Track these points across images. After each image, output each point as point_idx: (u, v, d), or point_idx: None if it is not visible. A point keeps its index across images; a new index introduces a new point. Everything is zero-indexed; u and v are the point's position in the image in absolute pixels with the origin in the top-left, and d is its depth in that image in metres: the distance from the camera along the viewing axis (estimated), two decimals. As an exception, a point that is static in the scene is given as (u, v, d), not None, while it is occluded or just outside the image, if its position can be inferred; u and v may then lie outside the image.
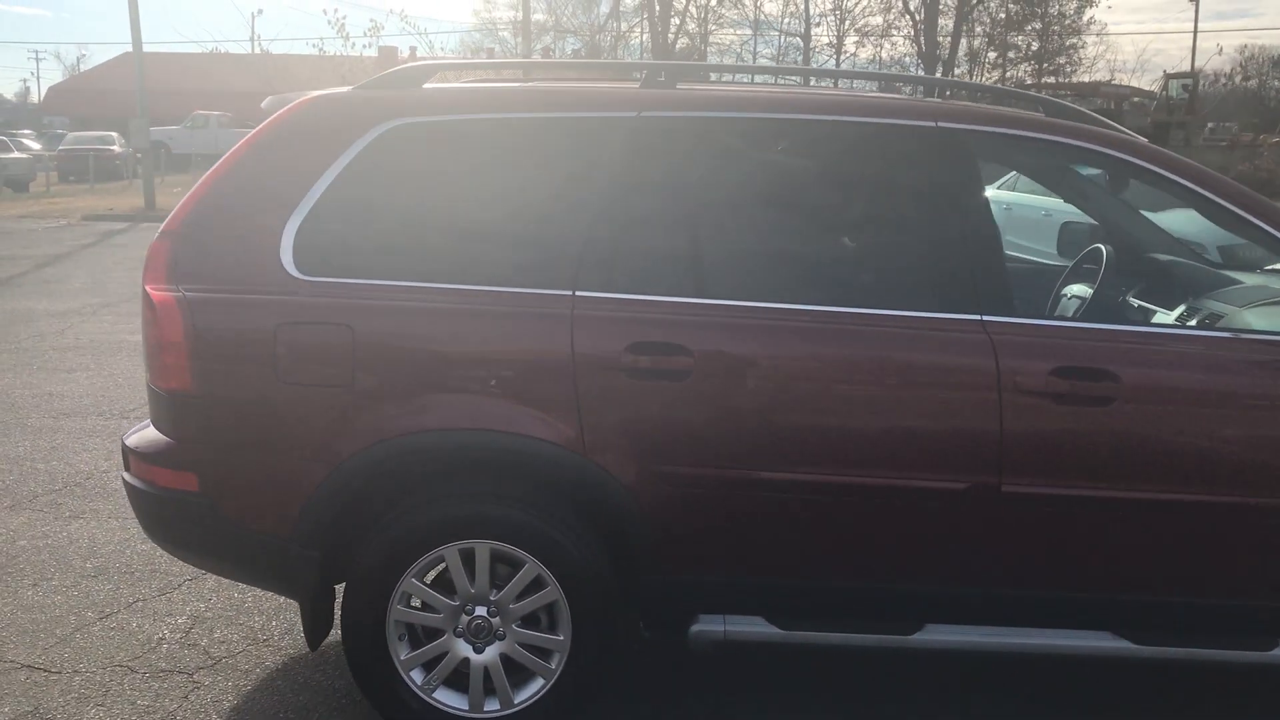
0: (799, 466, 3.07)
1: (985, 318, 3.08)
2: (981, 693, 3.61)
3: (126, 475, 3.39)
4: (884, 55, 47.04)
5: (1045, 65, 49.10)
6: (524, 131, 3.29)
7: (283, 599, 4.25)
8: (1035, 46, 48.59)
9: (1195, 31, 71.01)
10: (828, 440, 3.07)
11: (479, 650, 3.21)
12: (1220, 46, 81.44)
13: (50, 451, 6.21)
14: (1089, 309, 3.85)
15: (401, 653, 3.22)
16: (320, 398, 3.11)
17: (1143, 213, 4.54)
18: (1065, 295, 4.20)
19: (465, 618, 3.20)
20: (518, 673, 3.24)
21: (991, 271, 3.15)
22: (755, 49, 49.83)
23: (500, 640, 3.21)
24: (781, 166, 3.43)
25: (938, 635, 3.15)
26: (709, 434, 3.08)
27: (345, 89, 3.40)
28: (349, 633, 3.22)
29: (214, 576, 4.45)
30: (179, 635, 3.99)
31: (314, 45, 48.05)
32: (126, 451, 3.38)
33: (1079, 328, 3.32)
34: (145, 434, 3.34)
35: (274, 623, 4.09)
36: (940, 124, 3.22)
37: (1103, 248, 4.01)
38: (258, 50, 52.87)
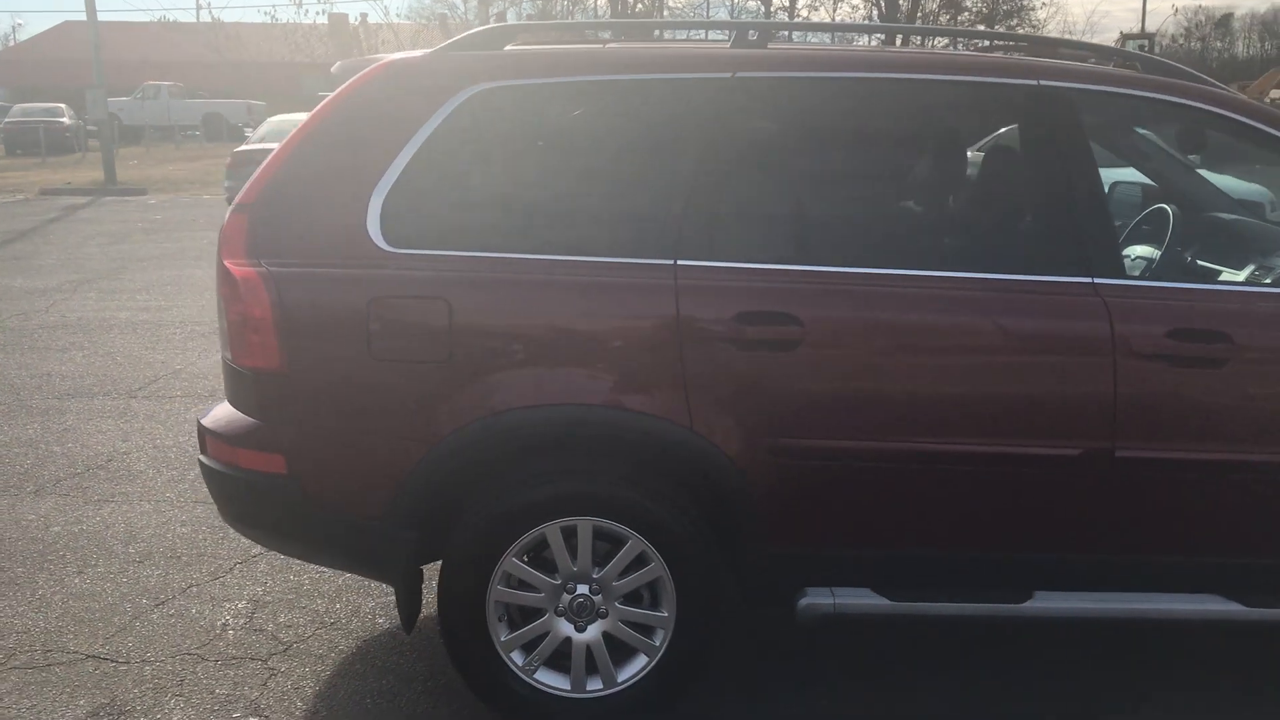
0: (909, 435, 3.01)
1: (1097, 280, 3.03)
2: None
3: (204, 458, 3.27)
4: (838, 17, 46.94)
5: (997, 27, 49.09)
6: (615, 95, 3.18)
7: (341, 580, 4.15)
8: (985, 10, 48.50)
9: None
10: (939, 408, 3.02)
11: (581, 629, 3.14)
12: (1175, 8, 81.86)
13: (63, 434, 6.03)
14: (1158, 269, 3.82)
15: (501, 634, 3.13)
16: (416, 374, 3.01)
17: (1200, 172, 4.51)
18: (1128, 257, 4.16)
19: (567, 596, 3.12)
20: (619, 650, 3.17)
21: (1101, 233, 3.10)
22: (707, 9, 49.50)
23: (602, 618, 3.14)
24: (883, 127, 3.35)
25: (1048, 603, 3.11)
26: (818, 404, 3.01)
27: (422, 53, 3.27)
28: (447, 615, 3.14)
29: (266, 559, 4.35)
30: (242, 620, 3.88)
31: (266, 13, 47.21)
32: (204, 433, 3.25)
33: (1193, 289, 3.27)
34: (223, 414, 3.21)
35: (337, 605, 3.99)
36: (1042, 82, 3.16)
37: (1167, 208, 3.97)
38: (206, 19, 51.75)
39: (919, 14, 43.61)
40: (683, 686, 3.18)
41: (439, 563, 3.18)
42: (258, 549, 4.44)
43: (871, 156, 3.32)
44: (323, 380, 3.04)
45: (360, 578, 4.13)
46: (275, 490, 3.11)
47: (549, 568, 3.12)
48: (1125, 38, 39.86)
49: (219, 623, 3.87)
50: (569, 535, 3.08)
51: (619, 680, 3.15)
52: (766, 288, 3.01)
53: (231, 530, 4.36)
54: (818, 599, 3.11)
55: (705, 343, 2.98)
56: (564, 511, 3.05)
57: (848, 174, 3.28)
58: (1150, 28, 53.31)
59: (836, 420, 3.02)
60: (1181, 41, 63.33)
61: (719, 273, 3.02)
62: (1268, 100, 26.79)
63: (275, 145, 13.68)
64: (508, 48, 3.28)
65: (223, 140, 34.51)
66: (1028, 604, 3.11)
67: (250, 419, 3.13)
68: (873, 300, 3.02)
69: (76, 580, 4.21)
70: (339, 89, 3.20)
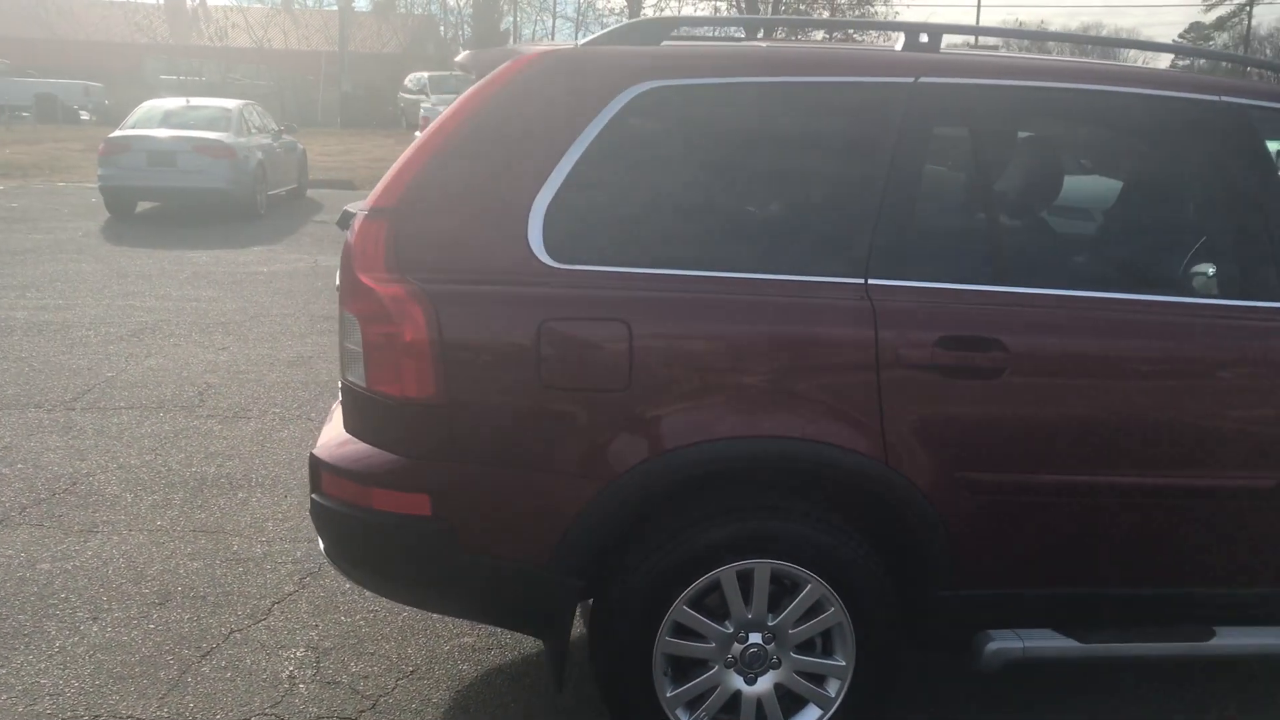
0: (1114, 469, 2.86)
1: None
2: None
3: (320, 497, 2.87)
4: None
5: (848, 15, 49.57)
6: (791, 98, 2.92)
7: (401, 619, 3.78)
8: (826, 14, 49.17)
9: (979, 5, 74.23)
10: (1147, 440, 2.87)
11: (751, 681, 2.88)
12: (1020, 21, 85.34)
13: (4, 452, 5.39)
14: None
15: (667, 689, 2.85)
16: (591, 405, 2.70)
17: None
18: None
19: (738, 646, 2.86)
20: (790, 702, 2.92)
21: None
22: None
23: (774, 669, 2.89)
24: (1074, 140, 3.19)
25: (1232, 640, 3.00)
26: (1019, 436, 2.83)
27: (571, 45, 2.94)
28: (607, 669, 2.84)
29: (304, 597, 3.95)
30: (309, 672, 3.47)
31: (97, -13, 44.64)
32: (320, 467, 2.86)
33: None
34: (345, 446, 2.83)
35: (409, 650, 3.62)
36: (1224, 98, 3.04)
37: None
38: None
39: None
40: (856, 738, 2.95)
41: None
42: (290, 586, 4.03)
43: (1065, 171, 3.16)
44: (485, 411, 2.70)
45: (426, 615, 3.77)
46: (417, 534, 2.75)
47: (717, 615, 2.85)
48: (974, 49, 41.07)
49: (283, 674, 3.44)
50: (744, 579, 2.82)
51: (790, 735, 2.91)
52: (968, 310, 2.81)
53: (254, 565, 3.94)
54: (1006, 643, 2.93)
55: (905, 369, 2.76)
56: (742, 553, 2.79)
57: (1043, 190, 3.11)
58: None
59: (1036, 453, 2.84)
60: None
61: (917, 294, 2.80)
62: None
63: (154, 132, 12.90)
64: (665, 42, 2.99)
65: (56, 122, 32.34)
66: (1213, 641, 2.99)
67: (387, 454, 2.76)
68: (1083, 326, 2.85)
69: (94, 628, 3.70)
70: (483, 82, 2.84)
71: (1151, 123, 3.05)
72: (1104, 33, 66.87)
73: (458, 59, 3.11)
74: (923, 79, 2.91)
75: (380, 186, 2.80)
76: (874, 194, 2.83)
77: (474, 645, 3.65)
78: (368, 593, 3.90)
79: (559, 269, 2.71)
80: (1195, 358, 2.90)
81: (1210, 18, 64.60)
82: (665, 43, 2.99)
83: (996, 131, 3.05)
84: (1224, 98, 3.04)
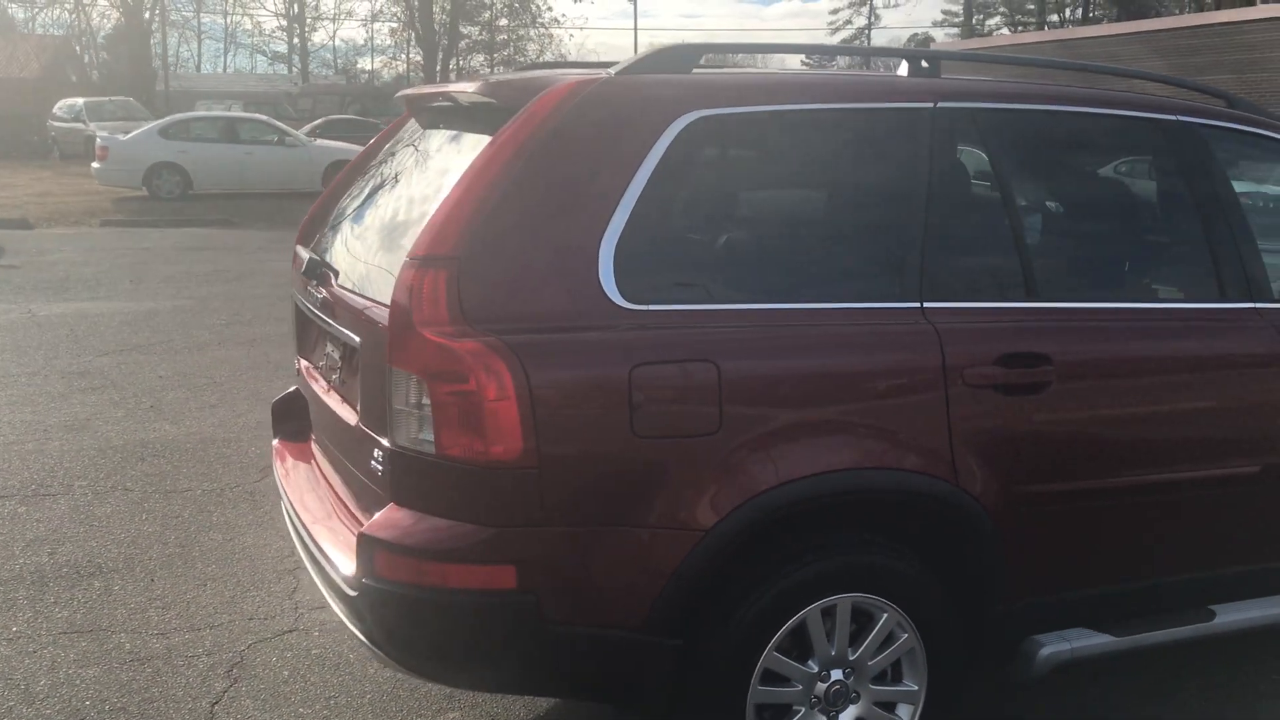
0: (1153, 469, 3.08)
1: None
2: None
3: (374, 581, 2.55)
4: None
5: (495, 55, 49.87)
6: (824, 124, 2.91)
7: (370, 697, 3.42)
8: (485, 38, 49.02)
9: (635, 29, 77.44)
10: (1186, 439, 3.12)
11: (833, 719, 2.83)
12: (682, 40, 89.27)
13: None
14: None
15: (760, 741, 2.74)
16: (682, 452, 2.56)
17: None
18: None
19: (821, 685, 2.80)
20: (866, 734, 2.89)
21: None
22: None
23: (854, 703, 2.85)
24: (1092, 160, 3.37)
25: (1233, 615, 3.25)
26: (1067, 445, 2.96)
27: (606, 73, 2.77)
28: (702, 728, 2.69)
29: (247, 691, 3.49)
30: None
31: None
32: (376, 547, 2.55)
33: None
34: (412, 522, 2.54)
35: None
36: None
37: None
38: None
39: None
40: (929, 761, 2.96)
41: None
42: (219, 681, 3.58)
43: (1088, 190, 3.35)
44: (576, 469, 2.50)
45: (395, 691, 3.44)
46: (499, 610, 2.51)
47: (800, 658, 2.78)
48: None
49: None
50: (827, 616, 2.77)
51: (873, 767, 2.87)
52: (1018, 327, 2.91)
53: (162, 664, 3.55)
54: (1057, 646, 3.03)
55: (970, 390, 2.81)
56: (827, 590, 2.74)
57: (1068, 207, 3.29)
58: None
59: (1082, 461, 2.99)
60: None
61: (971, 314, 2.87)
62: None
63: None
64: (695, 70, 2.89)
65: None
66: (1217, 620, 3.23)
67: (464, 524, 2.50)
68: (1119, 336, 3.05)
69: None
70: (526, 115, 2.63)
71: (1147, 143, 3.28)
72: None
73: (474, 87, 2.86)
74: (940, 104, 2.98)
75: (429, 233, 2.53)
76: (918, 217, 2.87)
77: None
78: (314, 676, 3.54)
79: (636, 310, 2.56)
80: (1221, 355, 3.19)
81: (836, 39, 70.34)
82: (697, 70, 2.89)
83: (1016, 153, 3.16)
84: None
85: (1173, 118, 3.27)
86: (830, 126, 2.90)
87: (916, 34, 70.37)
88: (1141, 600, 3.20)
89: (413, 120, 3.53)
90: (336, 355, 3.12)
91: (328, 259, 3.19)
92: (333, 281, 3.07)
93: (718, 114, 2.75)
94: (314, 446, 3.54)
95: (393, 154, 3.46)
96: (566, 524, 2.51)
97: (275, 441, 3.75)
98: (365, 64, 58.50)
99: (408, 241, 2.72)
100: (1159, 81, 3.65)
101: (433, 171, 3.09)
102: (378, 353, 2.63)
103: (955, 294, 2.87)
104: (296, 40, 51.11)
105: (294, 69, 51.63)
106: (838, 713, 2.83)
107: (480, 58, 48.87)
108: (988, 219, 3.05)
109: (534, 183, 2.58)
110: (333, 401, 3.11)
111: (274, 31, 48.69)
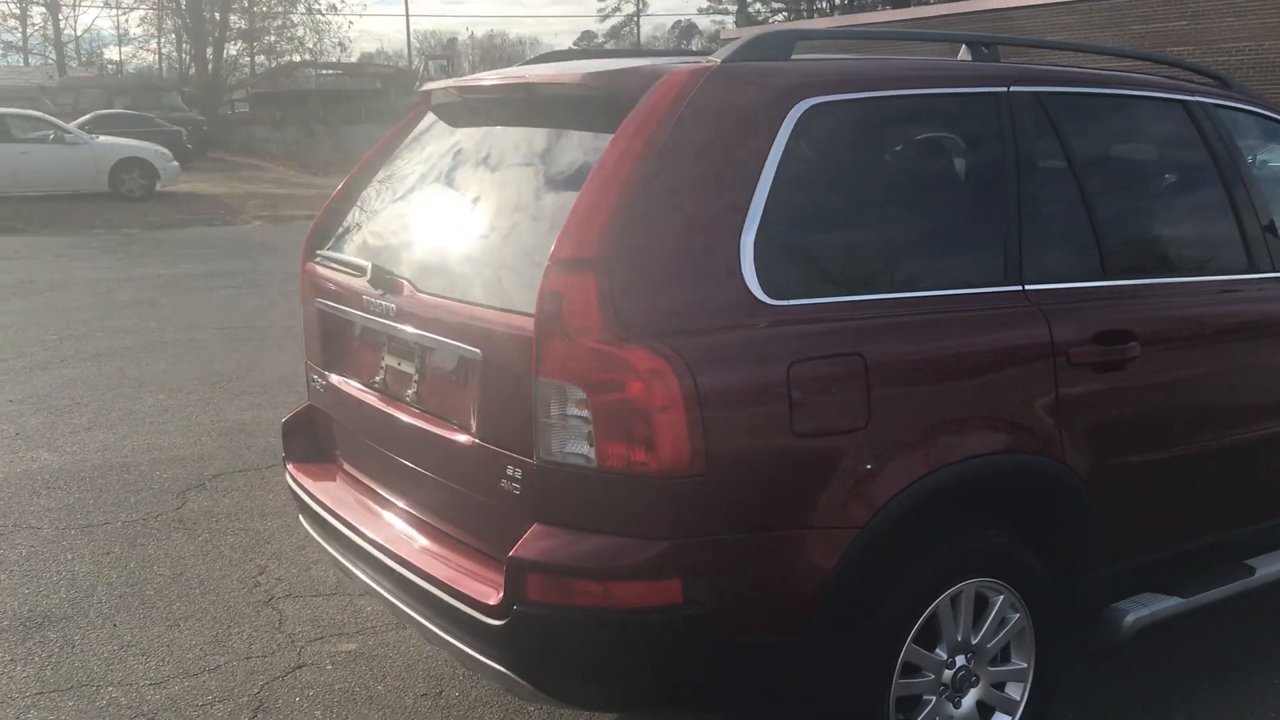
0: (1218, 433, 3.25)
1: None
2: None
3: (525, 607, 2.37)
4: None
5: (256, 44, 47.46)
6: (923, 110, 2.95)
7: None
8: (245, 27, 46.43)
9: (408, 15, 75.99)
10: (1253, 402, 3.33)
11: (957, 705, 2.83)
12: (470, 30, 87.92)
13: None
14: None
15: (902, 735, 2.71)
16: (838, 449, 2.49)
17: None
18: None
19: (948, 672, 2.79)
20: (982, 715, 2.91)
21: None
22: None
23: (974, 686, 2.86)
24: (1154, 142, 3.46)
25: (1268, 568, 3.43)
26: (1153, 416, 3.09)
27: (710, 61, 2.65)
28: (850, 730, 2.64)
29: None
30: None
31: None
32: (529, 570, 2.37)
33: None
34: (570, 541, 2.37)
35: None
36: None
37: None
38: None
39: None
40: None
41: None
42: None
43: (1159, 169, 3.48)
44: (741, 473, 2.40)
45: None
46: (664, 626, 2.38)
47: (929, 646, 2.77)
48: (428, 58, 42.15)
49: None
50: (954, 603, 2.76)
51: (992, 749, 2.90)
52: (1109, 305, 3.00)
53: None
54: (1138, 612, 3.13)
55: (1074, 368, 2.87)
56: (957, 577, 2.74)
57: (1138, 187, 3.44)
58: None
59: (1168, 429, 3.13)
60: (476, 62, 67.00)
61: (1068, 294, 2.94)
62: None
63: None
64: (794, 56, 2.81)
65: None
66: (1258, 574, 3.40)
67: (627, 539, 2.35)
68: (1198, 308, 3.22)
69: None
70: (646, 109, 2.48)
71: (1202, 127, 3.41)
72: (509, 39, 71.20)
73: (576, 79, 2.68)
74: (1013, 88, 3.01)
75: (571, 235, 2.36)
76: (1012, 200, 2.89)
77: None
78: (351, 714, 3.30)
79: (781, 306, 2.47)
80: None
81: (604, 26, 71.03)
82: (796, 56, 2.81)
83: (1090, 135, 3.23)
84: None
85: (1213, 102, 3.45)
86: (933, 112, 2.94)
87: (680, 20, 71.93)
88: (1200, 559, 3.34)
89: (436, 117, 3.30)
90: (412, 369, 2.88)
91: (395, 268, 2.93)
92: (410, 290, 2.83)
93: (829, 101, 2.69)
94: (348, 467, 3.27)
95: (445, 154, 3.18)
96: (730, 531, 2.40)
97: (290, 465, 3.44)
98: (112, 55, 54.69)
99: (527, 245, 2.54)
100: (1156, 62, 3.80)
101: (524, 169, 2.87)
102: (511, 363, 2.45)
103: (1050, 275, 2.92)
104: (35, 28, 47.04)
105: (44, 60, 47.50)
106: (960, 698, 2.83)
107: (239, 44, 46.16)
108: (1067, 201, 3.10)
109: (669, 179, 2.44)
110: (408, 417, 2.87)
111: (4, 19, 44.64)
